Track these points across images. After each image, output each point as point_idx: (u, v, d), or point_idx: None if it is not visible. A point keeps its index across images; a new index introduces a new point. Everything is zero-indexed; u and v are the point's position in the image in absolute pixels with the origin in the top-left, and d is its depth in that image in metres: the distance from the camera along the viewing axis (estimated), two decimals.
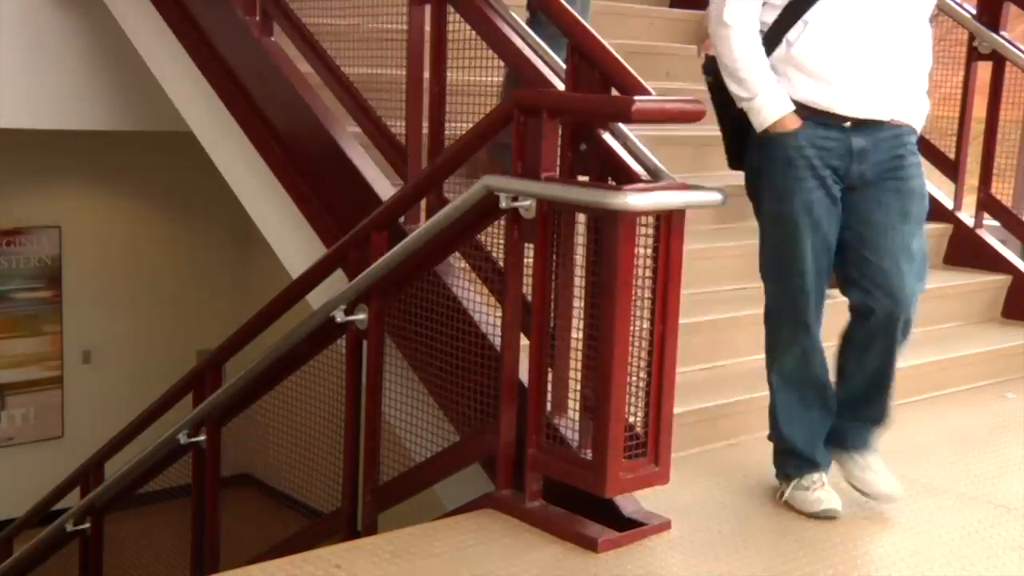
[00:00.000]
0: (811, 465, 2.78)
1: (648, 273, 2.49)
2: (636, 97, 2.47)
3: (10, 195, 8.45)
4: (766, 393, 3.30)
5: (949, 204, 4.58)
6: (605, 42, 2.69)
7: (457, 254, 2.95)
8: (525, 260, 2.62)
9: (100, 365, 9.00)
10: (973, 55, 4.48)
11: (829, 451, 2.82)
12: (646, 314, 2.50)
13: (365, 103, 3.40)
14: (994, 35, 4.42)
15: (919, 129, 2.79)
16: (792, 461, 2.80)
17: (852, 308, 2.76)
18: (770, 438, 2.84)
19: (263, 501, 6.28)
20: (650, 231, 2.47)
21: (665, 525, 2.63)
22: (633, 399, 2.51)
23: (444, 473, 2.98)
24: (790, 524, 2.70)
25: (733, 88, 2.68)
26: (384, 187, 3.32)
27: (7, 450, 8.66)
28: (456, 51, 3.10)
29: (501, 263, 2.73)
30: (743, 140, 2.78)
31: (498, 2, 3.04)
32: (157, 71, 4.29)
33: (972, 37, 4.48)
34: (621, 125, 2.68)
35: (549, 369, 2.63)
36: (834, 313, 2.83)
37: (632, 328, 2.45)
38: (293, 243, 3.74)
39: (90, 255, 8.86)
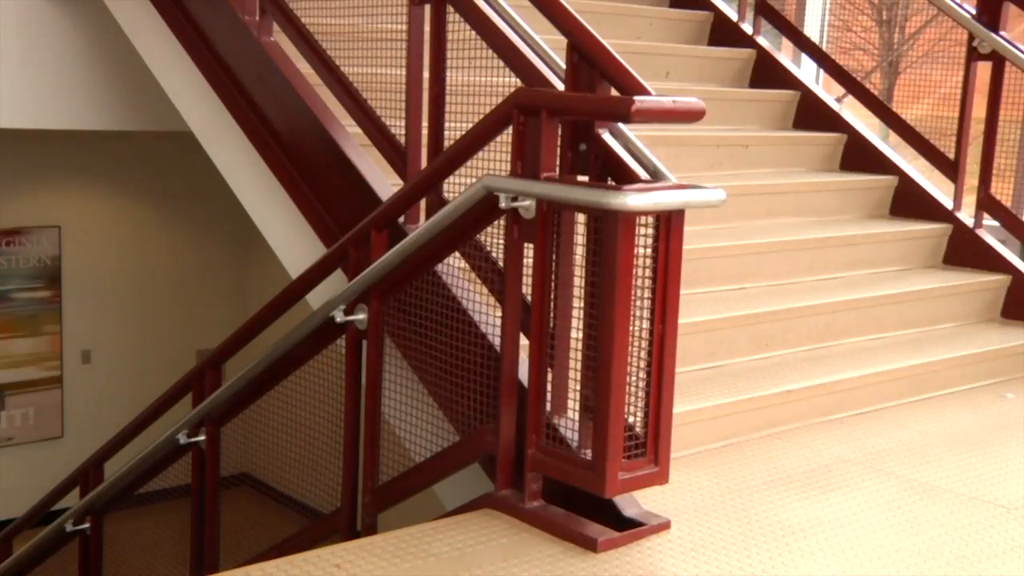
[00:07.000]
0: None
1: (648, 273, 2.49)
2: (636, 97, 2.47)
3: (10, 195, 8.46)
4: (766, 393, 3.32)
5: (949, 204, 4.59)
6: (605, 42, 2.70)
7: (457, 254, 2.95)
8: (525, 260, 2.62)
9: (100, 365, 9.01)
10: (973, 55, 4.48)
11: None
12: (646, 314, 2.50)
13: (365, 103, 3.40)
14: (994, 35, 4.42)
15: None
16: None
17: None
18: None
19: (263, 501, 6.27)
20: (650, 231, 2.47)
21: (665, 525, 2.63)
22: (633, 399, 2.51)
23: (444, 473, 2.98)
24: (790, 524, 2.70)
25: None
26: (384, 187, 3.33)
27: (7, 450, 8.67)
28: (456, 51, 3.10)
29: (501, 263, 2.73)
30: None
31: (498, 2, 3.04)
32: (157, 71, 4.29)
33: (972, 37, 4.48)
34: (621, 125, 2.68)
35: (549, 369, 2.63)
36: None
37: (632, 328, 2.45)
38: (293, 243, 3.74)
39: (90, 255, 8.87)
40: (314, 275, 3.35)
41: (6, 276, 8.56)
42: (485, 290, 2.91)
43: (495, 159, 2.82)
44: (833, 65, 5.18)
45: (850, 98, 5.07)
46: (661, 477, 2.57)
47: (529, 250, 2.60)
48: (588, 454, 2.53)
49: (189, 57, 4.02)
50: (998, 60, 4.43)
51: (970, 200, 4.58)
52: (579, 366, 2.60)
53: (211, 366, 3.76)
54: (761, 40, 5.28)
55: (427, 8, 3.14)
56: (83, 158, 8.63)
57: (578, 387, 2.61)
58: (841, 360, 3.68)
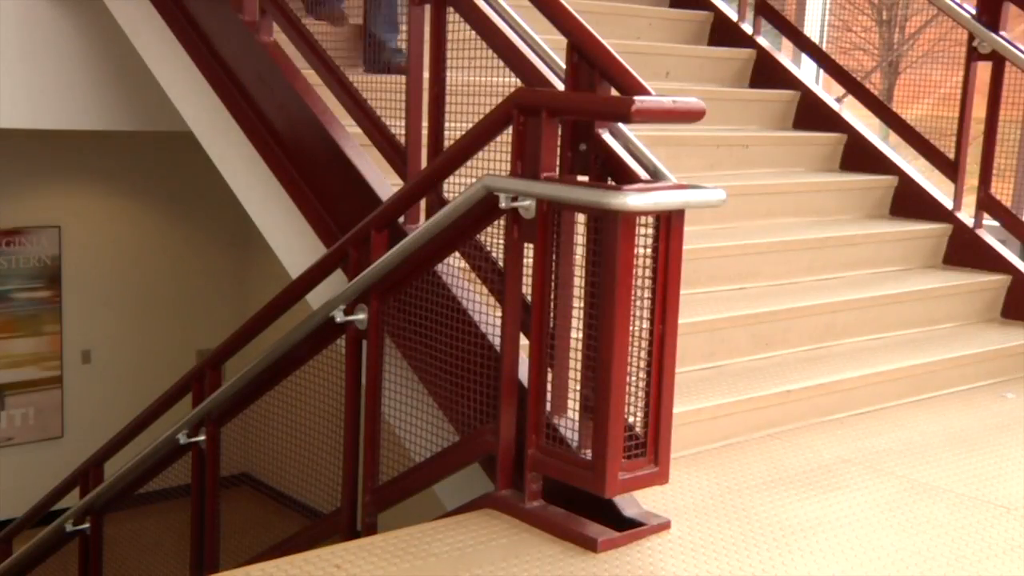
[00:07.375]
0: None
1: (648, 273, 2.49)
2: (636, 97, 2.47)
3: (10, 195, 8.46)
4: (766, 393, 3.32)
5: (949, 204, 4.59)
6: (605, 42, 2.69)
7: (457, 254, 2.95)
8: (525, 260, 2.62)
9: (100, 365, 9.01)
10: (973, 55, 4.48)
11: None
12: (646, 314, 2.50)
13: (365, 103, 3.40)
14: (994, 35, 4.42)
15: None
16: None
17: None
18: None
19: (263, 501, 6.28)
20: (650, 231, 2.47)
21: (665, 525, 2.63)
22: (633, 399, 2.51)
23: (444, 473, 2.98)
24: (790, 524, 2.70)
25: None
26: (384, 187, 3.33)
27: (7, 450, 8.67)
28: (456, 51, 3.10)
29: (501, 263, 2.73)
30: None
31: (498, 2, 3.04)
32: (157, 71, 4.29)
33: (972, 37, 4.48)
34: (621, 125, 2.68)
35: (549, 369, 2.63)
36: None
37: (632, 328, 2.45)
38: (293, 243, 3.74)
39: (90, 255, 8.86)
40: (314, 275, 3.35)
41: (6, 276, 8.56)
42: (485, 290, 2.91)
43: (495, 159, 2.82)
44: (833, 65, 5.18)
45: (850, 98, 5.07)
46: (661, 477, 2.57)
47: (529, 250, 2.60)
48: (588, 454, 2.53)
49: (189, 57, 4.02)
50: (998, 60, 4.43)
51: (970, 200, 4.58)
52: (579, 366, 2.60)
53: (211, 366, 3.76)
54: (761, 40, 5.28)
55: (427, 8, 3.14)
56: (83, 158, 8.63)
57: (578, 387, 2.61)
58: (841, 360, 3.68)
